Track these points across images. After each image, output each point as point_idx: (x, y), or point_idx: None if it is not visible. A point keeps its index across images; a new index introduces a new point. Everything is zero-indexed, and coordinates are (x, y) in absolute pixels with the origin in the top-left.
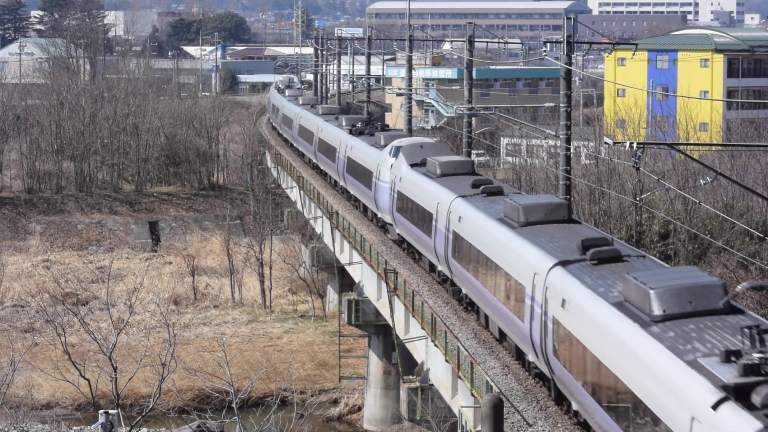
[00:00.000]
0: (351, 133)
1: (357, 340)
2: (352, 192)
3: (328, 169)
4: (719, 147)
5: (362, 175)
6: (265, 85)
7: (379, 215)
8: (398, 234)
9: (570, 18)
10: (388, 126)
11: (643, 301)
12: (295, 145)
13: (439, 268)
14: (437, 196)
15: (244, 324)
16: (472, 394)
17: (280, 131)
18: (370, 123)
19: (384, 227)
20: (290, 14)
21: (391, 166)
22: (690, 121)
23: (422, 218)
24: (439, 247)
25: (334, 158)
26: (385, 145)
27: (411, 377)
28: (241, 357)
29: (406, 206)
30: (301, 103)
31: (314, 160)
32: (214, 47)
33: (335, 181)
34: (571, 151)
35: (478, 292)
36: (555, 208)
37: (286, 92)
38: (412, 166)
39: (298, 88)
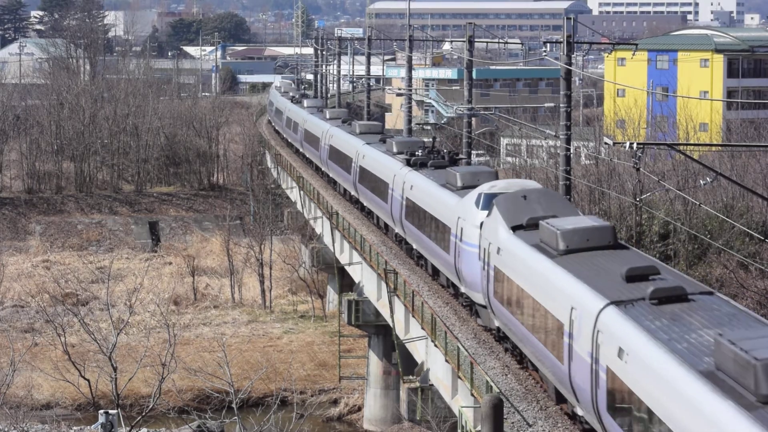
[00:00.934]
0: (410, 165)
1: (357, 340)
2: (414, 245)
3: (378, 211)
4: (719, 147)
5: (432, 227)
6: (265, 86)
7: (463, 290)
8: (498, 327)
9: (570, 18)
10: (458, 156)
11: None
12: (325, 169)
13: (580, 413)
14: (571, 296)
15: (244, 324)
16: (472, 394)
17: (301, 149)
18: (433, 151)
19: (471, 307)
20: (290, 14)
21: (481, 224)
22: (690, 122)
23: (546, 327)
24: (580, 383)
25: (386, 197)
26: (465, 189)
27: (411, 377)
28: (241, 357)
29: (510, 291)
30: (328, 117)
31: (354, 193)
32: (214, 47)
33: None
34: (571, 151)
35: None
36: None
37: (305, 103)
38: (514, 229)
39: (315, 97)
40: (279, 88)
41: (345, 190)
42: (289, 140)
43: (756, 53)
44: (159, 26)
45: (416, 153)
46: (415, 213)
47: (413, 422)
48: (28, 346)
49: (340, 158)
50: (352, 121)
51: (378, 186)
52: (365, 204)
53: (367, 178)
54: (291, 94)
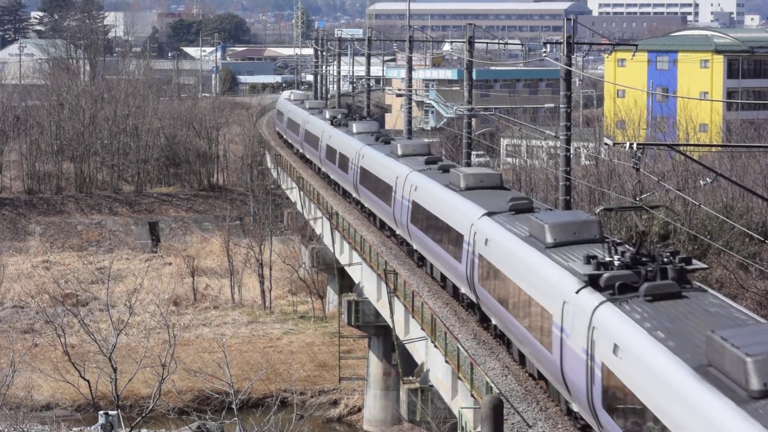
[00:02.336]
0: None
1: (357, 340)
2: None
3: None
4: (719, 148)
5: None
6: (265, 86)
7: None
8: None
9: (570, 19)
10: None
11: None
12: (356, 195)
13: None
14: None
15: (244, 325)
16: (472, 395)
17: (323, 168)
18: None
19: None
20: (290, 15)
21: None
22: (690, 122)
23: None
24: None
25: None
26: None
27: (411, 378)
28: (241, 358)
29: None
30: (356, 131)
31: (402, 233)
32: (214, 48)
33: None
34: (571, 152)
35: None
36: None
37: (327, 114)
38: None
39: (363, 121)
40: (296, 99)
41: (382, 222)
42: (308, 156)
43: (756, 54)
44: (159, 27)
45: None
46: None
47: (413, 423)
48: (28, 346)
49: (377, 186)
50: (389, 137)
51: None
52: (418, 249)
53: (421, 214)
54: (308, 105)
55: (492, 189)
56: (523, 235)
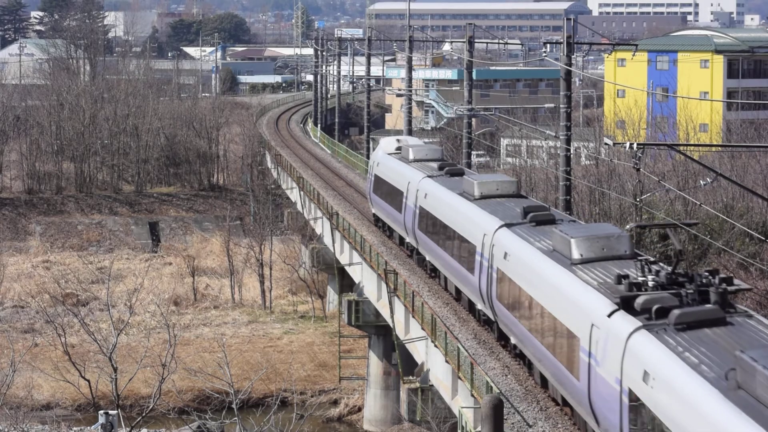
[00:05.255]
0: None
1: (357, 340)
2: None
3: None
4: (719, 148)
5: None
6: (265, 86)
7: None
8: None
9: (570, 19)
10: None
11: None
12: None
13: None
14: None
15: (244, 325)
16: (472, 395)
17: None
18: None
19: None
20: (290, 15)
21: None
22: (690, 122)
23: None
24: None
25: None
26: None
27: (411, 378)
28: (241, 358)
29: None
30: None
31: None
32: (214, 48)
33: None
34: (571, 152)
35: None
36: None
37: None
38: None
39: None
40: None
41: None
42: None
43: (756, 54)
44: (159, 27)
45: None
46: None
47: (413, 423)
48: (28, 346)
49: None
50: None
51: None
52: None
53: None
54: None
55: (509, 198)
56: (546, 250)
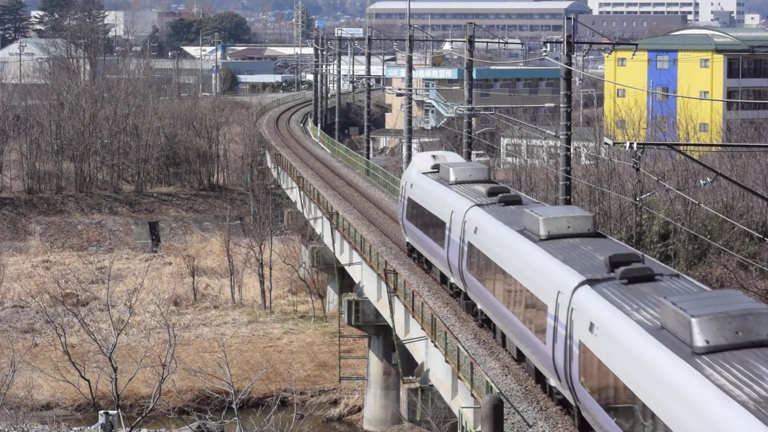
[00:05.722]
0: None
1: (357, 340)
2: None
3: None
4: (719, 147)
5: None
6: (265, 86)
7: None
8: None
9: (570, 18)
10: None
11: None
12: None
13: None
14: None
15: (244, 324)
16: (472, 395)
17: None
18: None
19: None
20: (290, 14)
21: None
22: (690, 122)
23: None
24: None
25: None
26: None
27: (411, 378)
28: (241, 357)
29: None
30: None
31: None
32: (214, 47)
33: None
34: (571, 151)
35: None
36: None
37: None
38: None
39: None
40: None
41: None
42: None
43: (756, 53)
44: (159, 26)
45: None
46: None
47: (413, 423)
48: (28, 346)
49: None
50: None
51: None
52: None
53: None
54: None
55: (584, 237)
56: (652, 327)
